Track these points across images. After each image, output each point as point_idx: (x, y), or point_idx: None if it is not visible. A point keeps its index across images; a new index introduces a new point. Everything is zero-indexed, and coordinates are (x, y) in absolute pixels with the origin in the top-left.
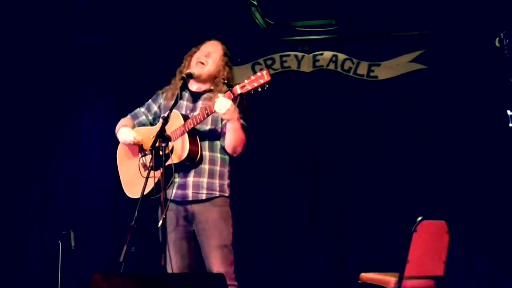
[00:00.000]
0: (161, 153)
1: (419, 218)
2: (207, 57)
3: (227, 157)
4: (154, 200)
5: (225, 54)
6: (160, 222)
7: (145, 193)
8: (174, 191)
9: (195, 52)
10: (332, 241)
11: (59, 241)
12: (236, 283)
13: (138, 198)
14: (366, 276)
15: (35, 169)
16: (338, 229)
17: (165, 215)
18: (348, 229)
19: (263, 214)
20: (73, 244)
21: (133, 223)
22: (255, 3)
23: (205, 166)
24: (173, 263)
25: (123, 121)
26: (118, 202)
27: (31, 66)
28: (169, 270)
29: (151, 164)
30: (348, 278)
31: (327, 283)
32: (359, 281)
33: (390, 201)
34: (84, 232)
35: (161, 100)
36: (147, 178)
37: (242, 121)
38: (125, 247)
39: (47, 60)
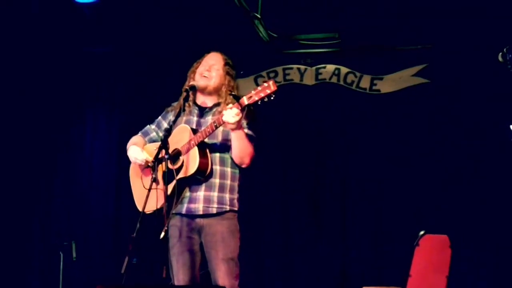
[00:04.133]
0: (164, 164)
1: (421, 232)
2: (210, 70)
3: (237, 171)
4: (157, 212)
5: (226, 64)
6: (162, 234)
7: (154, 208)
8: (186, 205)
9: (197, 67)
10: (334, 254)
11: (60, 252)
12: None
13: (142, 210)
14: None
15: (36, 180)
16: (340, 242)
17: (167, 227)
18: (350, 242)
19: (265, 224)
20: (74, 255)
21: (134, 234)
22: (259, 16)
23: (216, 180)
24: (180, 274)
25: (134, 139)
26: (120, 214)
27: (34, 74)
28: (175, 282)
29: (153, 176)
30: None
31: None
32: None
33: (392, 215)
34: (86, 244)
35: (171, 117)
36: (149, 189)
37: (249, 131)
38: (126, 259)
39: (52, 68)
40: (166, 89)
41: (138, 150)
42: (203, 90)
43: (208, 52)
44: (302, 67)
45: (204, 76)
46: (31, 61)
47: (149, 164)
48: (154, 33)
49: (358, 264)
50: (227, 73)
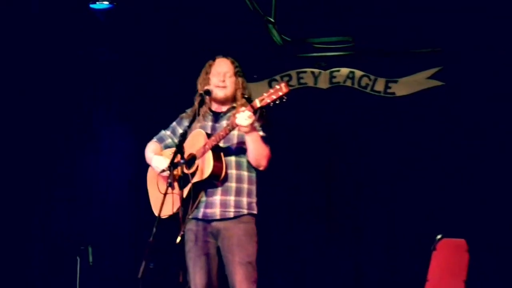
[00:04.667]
0: (179, 169)
1: (438, 236)
2: (224, 80)
3: (254, 175)
4: (173, 216)
5: (235, 67)
6: (179, 238)
7: (170, 212)
8: (202, 210)
9: (209, 78)
10: (347, 258)
11: (77, 257)
12: None
13: (158, 214)
14: None
15: (53, 184)
16: (354, 246)
17: (184, 231)
18: (364, 246)
19: (277, 228)
20: (91, 260)
21: (151, 239)
22: (272, 20)
23: (232, 184)
24: (196, 279)
25: (151, 146)
26: (137, 218)
27: (49, 80)
28: (192, 287)
29: (169, 180)
30: None
31: None
32: None
33: (408, 218)
34: (102, 248)
35: (186, 123)
36: (165, 194)
37: (264, 133)
38: (143, 263)
39: (67, 74)
40: (177, 93)
41: (163, 160)
42: (222, 100)
43: (213, 59)
44: (316, 70)
45: (221, 87)
46: (42, 64)
47: (165, 169)
48: (166, 39)
49: (372, 268)
50: (239, 76)
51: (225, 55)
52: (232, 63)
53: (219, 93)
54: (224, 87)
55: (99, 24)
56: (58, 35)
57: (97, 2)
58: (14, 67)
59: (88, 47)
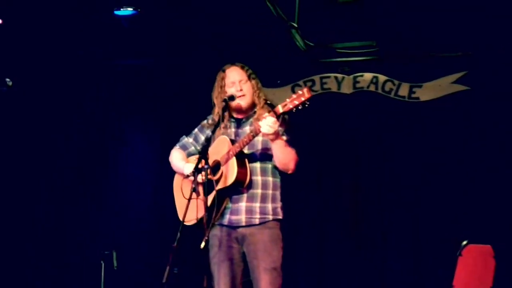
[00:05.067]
0: (203, 174)
1: (464, 242)
2: (242, 89)
3: (278, 180)
4: (198, 223)
5: (246, 71)
6: (203, 243)
7: (194, 218)
8: (227, 216)
9: (225, 91)
10: (371, 263)
11: (101, 261)
12: None
13: (182, 219)
14: None
15: (77, 190)
16: (379, 251)
17: (208, 236)
18: (389, 251)
19: (301, 234)
20: (115, 264)
21: (175, 244)
22: (295, 25)
23: (258, 191)
24: (221, 284)
25: (177, 155)
26: (161, 223)
27: (71, 87)
28: None
29: (193, 186)
30: None
31: None
32: None
33: (433, 224)
34: (127, 253)
35: (208, 131)
36: (189, 199)
37: (286, 136)
38: (167, 268)
39: (89, 81)
40: (202, 101)
41: (192, 167)
42: (245, 108)
43: (223, 70)
44: (340, 75)
45: (241, 96)
46: (68, 72)
47: (189, 174)
48: (190, 45)
49: (397, 273)
50: (252, 79)
51: (232, 63)
52: (243, 68)
53: (241, 102)
54: (244, 95)
55: (122, 30)
56: (84, 41)
57: (121, 9)
58: (33, 71)
59: (92, 48)
